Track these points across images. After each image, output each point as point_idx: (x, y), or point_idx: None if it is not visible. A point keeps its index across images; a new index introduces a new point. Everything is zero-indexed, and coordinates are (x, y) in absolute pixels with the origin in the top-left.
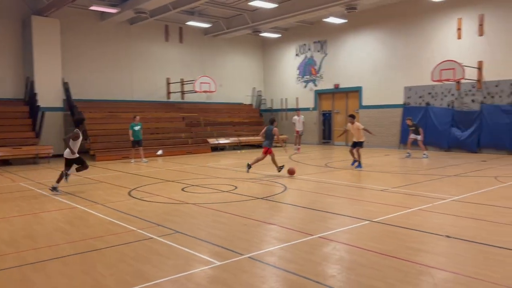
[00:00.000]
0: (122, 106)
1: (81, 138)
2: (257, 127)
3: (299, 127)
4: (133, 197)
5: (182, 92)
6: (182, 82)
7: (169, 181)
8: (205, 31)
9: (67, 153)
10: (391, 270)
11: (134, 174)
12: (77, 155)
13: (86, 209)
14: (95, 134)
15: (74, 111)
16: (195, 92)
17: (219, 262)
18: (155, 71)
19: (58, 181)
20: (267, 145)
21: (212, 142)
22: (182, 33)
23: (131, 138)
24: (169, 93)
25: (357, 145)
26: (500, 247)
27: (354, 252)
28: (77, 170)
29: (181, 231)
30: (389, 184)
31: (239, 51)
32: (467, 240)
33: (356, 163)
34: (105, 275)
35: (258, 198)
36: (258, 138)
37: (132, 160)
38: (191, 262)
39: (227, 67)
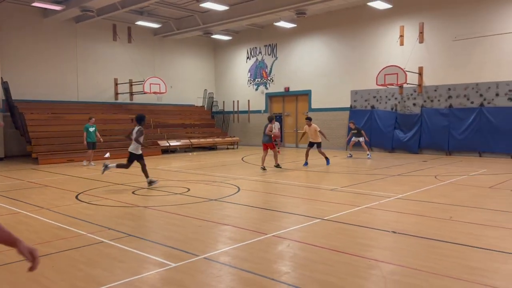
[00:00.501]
0: (67, 107)
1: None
2: (209, 129)
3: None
4: (81, 201)
5: (131, 93)
6: (130, 83)
7: (118, 184)
8: (154, 32)
9: (134, 148)
10: (342, 265)
11: (81, 178)
12: (141, 152)
13: (30, 214)
14: (38, 136)
15: (14, 112)
16: (144, 93)
17: (174, 264)
18: (102, 72)
19: (147, 176)
20: (266, 141)
21: (162, 145)
22: (131, 32)
23: (84, 142)
24: (117, 94)
25: (314, 145)
26: (440, 241)
27: (307, 249)
28: (118, 166)
29: (134, 234)
30: (338, 183)
31: (190, 52)
32: (411, 235)
33: (307, 165)
34: (55, 281)
35: (212, 200)
36: (209, 141)
37: (85, 163)
38: (145, 264)
39: (177, 68)
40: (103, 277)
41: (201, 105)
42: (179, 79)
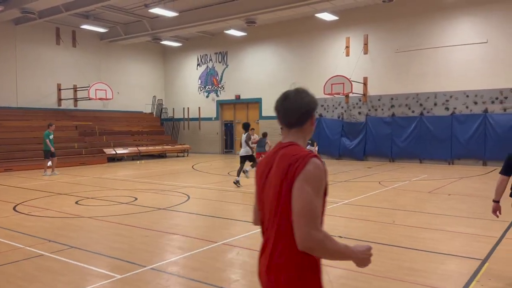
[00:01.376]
0: (5, 113)
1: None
2: (158, 136)
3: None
4: (20, 212)
5: (75, 99)
6: (75, 89)
7: (61, 194)
8: (101, 36)
9: (244, 151)
10: None
11: (20, 188)
12: (252, 154)
13: None
14: None
15: None
16: (89, 99)
17: (120, 276)
18: (44, 76)
19: (238, 174)
20: (260, 151)
21: (108, 152)
22: (76, 36)
23: (52, 149)
24: (60, 100)
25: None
26: (384, 244)
27: (256, 256)
28: (252, 166)
29: (76, 246)
30: None
31: (139, 58)
32: (356, 239)
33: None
34: None
35: (160, 209)
36: (158, 148)
37: (48, 172)
38: (88, 277)
39: (125, 74)
40: None
41: (150, 112)
42: (127, 85)
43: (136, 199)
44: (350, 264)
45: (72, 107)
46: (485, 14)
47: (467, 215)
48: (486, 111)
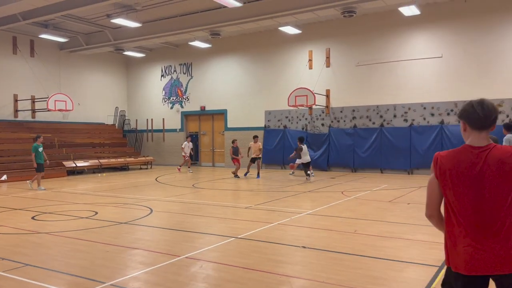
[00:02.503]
0: None
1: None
2: (121, 148)
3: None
4: None
5: (33, 111)
6: (33, 100)
7: (16, 209)
8: (61, 46)
9: (299, 160)
10: (254, 282)
11: None
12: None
13: None
14: None
15: None
16: (48, 111)
17: None
18: None
19: (307, 174)
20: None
21: (68, 165)
22: (34, 46)
23: (35, 165)
24: (16, 111)
25: (257, 159)
26: (346, 253)
27: (220, 269)
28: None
29: (32, 263)
30: (252, 201)
31: (101, 69)
32: (319, 249)
33: (249, 174)
34: None
35: (121, 223)
36: (121, 161)
37: (32, 186)
38: None
39: (86, 85)
40: None
41: (112, 123)
42: (88, 96)
43: (96, 213)
44: (314, 274)
45: (30, 118)
46: (440, 30)
47: (425, 223)
48: (442, 122)
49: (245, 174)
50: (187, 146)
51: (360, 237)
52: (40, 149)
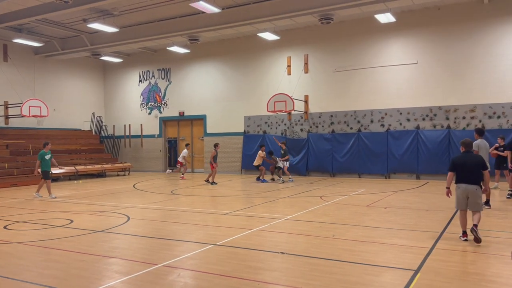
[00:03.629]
0: None
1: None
2: (97, 154)
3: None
4: None
5: (6, 117)
6: (6, 105)
7: None
8: (36, 50)
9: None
10: None
11: None
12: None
13: None
14: None
15: None
16: (22, 117)
17: None
18: None
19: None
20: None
21: None
22: (7, 50)
23: (37, 171)
24: None
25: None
26: (324, 259)
27: (198, 277)
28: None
29: (4, 275)
30: (232, 207)
31: (77, 74)
32: (298, 255)
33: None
34: None
35: (98, 231)
36: (97, 167)
37: (38, 195)
38: None
39: (62, 90)
40: None
41: (89, 129)
42: (64, 102)
43: (71, 221)
44: (292, 279)
45: (3, 124)
46: (415, 36)
47: (401, 227)
48: (418, 127)
49: (259, 178)
50: (187, 153)
51: (338, 242)
52: (48, 156)
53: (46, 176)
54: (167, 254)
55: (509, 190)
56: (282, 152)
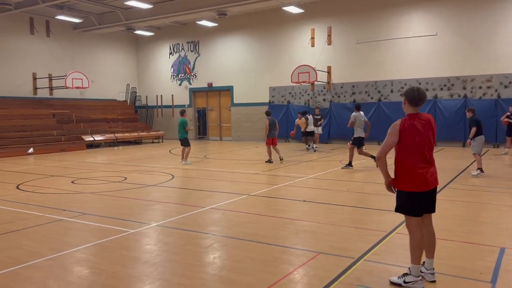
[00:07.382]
0: None
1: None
2: (133, 123)
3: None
4: (24, 190)
5: (51, 88)
6: (50, 78)
7: (54, 176)
8: (75, 26)
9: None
10: (266, 223)
11: (13, 172)
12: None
13: None
14: None
15: None
16: (66, 88)
17: (132, 230)
18: (18, 66)
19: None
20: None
21: (87, 139)
22: (50, 26)
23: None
24: (35, 88)
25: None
26: (337, 205)
27: (238, 215)
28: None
29: (89, 212)
30: (260, 169)
31: (112, 47)
32: (316, 202)
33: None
34: (39, 246)
35: (150, 185)
36: (134, 135)
37: (184, 161)
38: (104, 231)
39: (99, 63)
40: (73, 243)
41: (124, 99)
42: (101, 74)
43: (126, 178)
44: (311, 217)
45: (48, 95)
46: (435, 9)
47: None
48: (436, 97)
49: (309, 147)
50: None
51: (352, 194)
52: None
53: (187, 142)
54: (211, 201)
55: None
56: (318, 117)
